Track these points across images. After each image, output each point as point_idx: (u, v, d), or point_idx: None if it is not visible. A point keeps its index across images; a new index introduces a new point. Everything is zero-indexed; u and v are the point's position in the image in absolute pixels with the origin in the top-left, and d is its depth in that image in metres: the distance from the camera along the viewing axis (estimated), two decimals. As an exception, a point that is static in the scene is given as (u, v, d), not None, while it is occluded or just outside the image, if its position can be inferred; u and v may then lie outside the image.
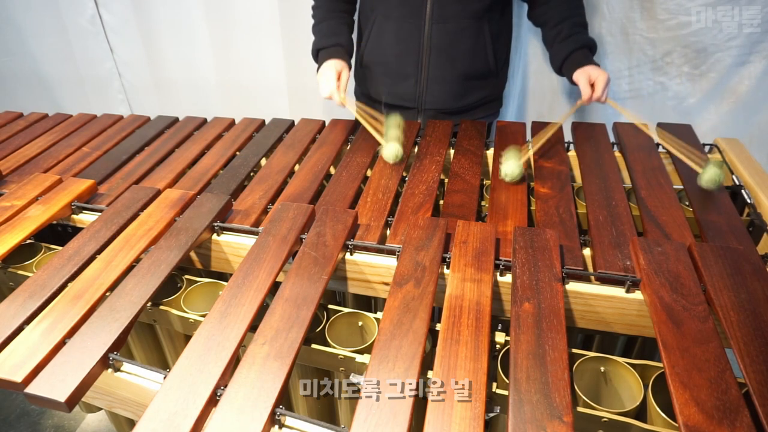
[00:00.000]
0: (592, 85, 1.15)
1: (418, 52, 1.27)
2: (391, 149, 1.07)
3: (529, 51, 1.61)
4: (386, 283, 0.83)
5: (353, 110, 1.20)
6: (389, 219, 0.91)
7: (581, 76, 1.16)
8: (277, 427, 0.58)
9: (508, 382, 0.58)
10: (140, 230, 0.86)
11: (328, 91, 1.18)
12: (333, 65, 1.21)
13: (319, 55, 1.27)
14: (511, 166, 0.98)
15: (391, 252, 0.83)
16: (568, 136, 1.16)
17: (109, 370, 0.66)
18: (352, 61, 1.33)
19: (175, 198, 0.95)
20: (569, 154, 1.13)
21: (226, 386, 0.58)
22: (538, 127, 1.19)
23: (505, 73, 1.41)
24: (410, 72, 1.29)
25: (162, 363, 1.02)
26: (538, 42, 1.59)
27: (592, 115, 1.59)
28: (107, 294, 0.74)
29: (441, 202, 0.97)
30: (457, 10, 1.22)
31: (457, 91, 1.28)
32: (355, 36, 1.40)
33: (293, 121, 1.32)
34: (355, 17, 1.39)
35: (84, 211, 1.00)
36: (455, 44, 1.25)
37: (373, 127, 1.17)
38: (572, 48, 1.19)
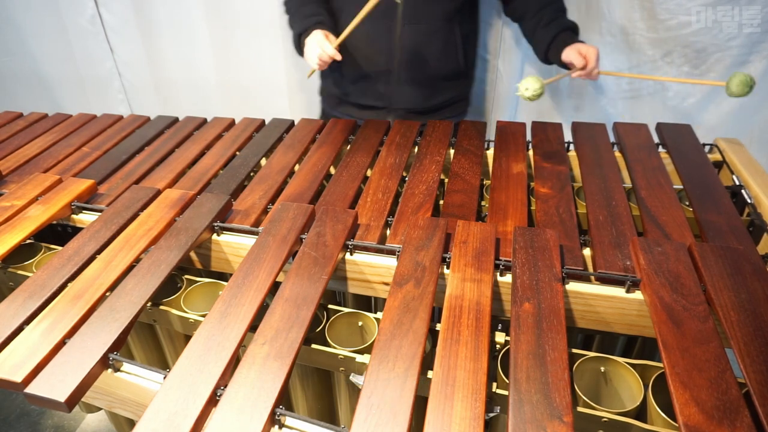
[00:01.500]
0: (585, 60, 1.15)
1: (389, 53, 1.27)
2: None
3: (529, 51, 1.61)
4: (386, 283, 0.83)
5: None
6: (389, 219, 0.91)
7: (571, 51, 1.16)
8: (277, 427, 0.58)
9: (508, 382, 0.58)
10: (140, 230, 0.86)
11: (319, 50, 1.15)
12: (318, 31, 1.19)
13: (302, 39, 1.24)
14: (531, 81, 0.96)
15: (391, 252, 0.83)
16: (568, 136, 1.16)
17: (109, 370, 0.66)
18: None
19: (175, 198, 0.95)
20: (569, 154, 1.13)
21: (226, 386, 0.58)
22: (538, 127, 1.19)
23: (473, 74, 1.41)
24: (381, 73, 1.29)
25: (162, 363, 1.02)
26: (538, 42, 1.59)
27: (592, 115, 1.59)
28: (107, 294, 0.74)
29: (441, 202, 0.97)
30: (429, 11, 1.22)
31: (427, 92, 1.28)
32: None
33: (293, 121, 1.32)
34: None
35: (84, 211, 1.00)
36: (427, 45, 1.25)
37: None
38: (556, 31, 1.20)
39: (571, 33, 1.21)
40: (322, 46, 1.15)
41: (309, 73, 1.27)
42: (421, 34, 1.24)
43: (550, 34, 1.21)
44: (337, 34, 1.21)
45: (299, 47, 1.27)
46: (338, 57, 1.16)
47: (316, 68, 1.22)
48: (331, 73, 1.40)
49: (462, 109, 1.43)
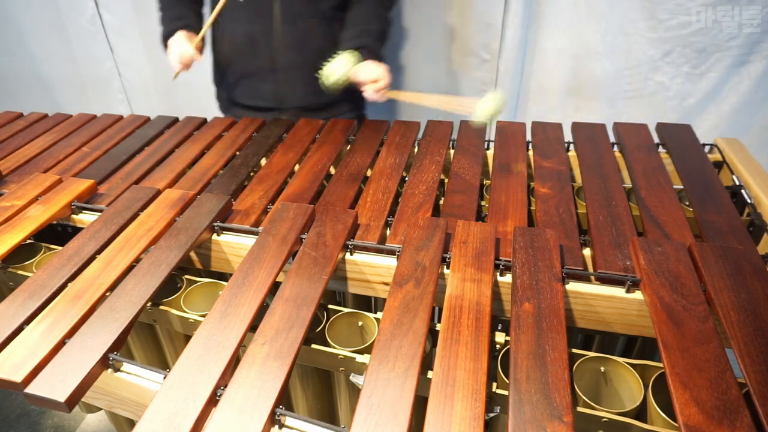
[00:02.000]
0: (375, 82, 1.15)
1: (270, 52, 1.28)
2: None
3: (528, 51, 1.61)
4: (386, 283, 0.83)
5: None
6: (389, 219, 0.91)
7: (360, 71, 1.15)
8: (277, 427, 0.58)
9: (508, 382, 0.58)
10: (140, 230, 0.86)
11: (179, 53, 1.17)
12: (180, 34, 1.21)
13: (167, 41, 1.26)
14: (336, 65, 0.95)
15: (391, 252, 0.83)
16: (568, 136, 1.16)
17: (109, 370, 0.66)
18: (210, 63, 1.34)
19: (175, 198, 0.95)
20: (569, 154, 1.13)
21: (226, 386, 0.58)
22: (538, 127, 1.20)
23: None
24: (266, 73, 1.30)
25: (162, 363, 1.02)
26: (538, 42, 1.59)
27: (592, 115, 1.59)
28: (107, 294, 0.74)
29: (441, 202, 0.97)
30: (303, 11, 1.23)
31: (315, 89, 1.28)
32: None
33: (293, 121, 1.32)
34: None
35: (84, 211, 1.00)
36: (306, 43, 1.26)
37: None
38: (351, 47, 1.20)
39: (366, 52, 1.20)
40: (181, 47, 1.18)
41: (174, 75, 1.28)
42: (299, 33, 1.25)
43: (346, 47, 1.21)
44: (212, 51, 1.27)
45: (165, 45, 1.29)
46: (198, 58, 1.19)
47: (177, 70, 1.24)
48: (220, 77, 1.42)
49: (357, 104, 1.43)
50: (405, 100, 1.15)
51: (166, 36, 1.27)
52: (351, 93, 1.32)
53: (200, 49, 1.24)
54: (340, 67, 1.03)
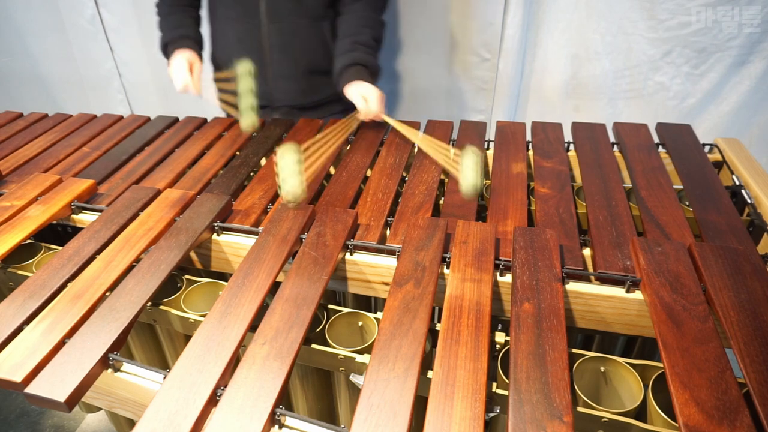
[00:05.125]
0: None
1: (259, 50, 1.29)
2: (247, 121, 1.10)
3: (528, 51, 1.61)
4: (386, 283, 0.83)
5: (213, 100, 1.21)
6: (389, 219, 0.91)
7: (353, 93, 1.16)
8: (277, 427, 0.58)
9: (508, 382, 0.58)
10: (140, 230, 0.86)
11: (182, 83, 1.19)
12: (183, 56, 1.22)
13: (168, 49, 1.28)
14: (291, 183, 0.86)
15: (391, 252, 0.83)
16: (568, 136, 1.16)
17: (109, 370, 0.66)
18: (206, 57, 1.36)
19: (175, 198, 0.95)
20: (569, 154, 1.13)
21: (226, 386, 0.58)
22: (538, 127, 1.20)
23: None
24: (257, 71, 1.30)
25: (162, 363, 1.02)
26: (538, 42, 1.59)
27: (592, 115, 1.59)
28: (107, 294, 0.74)
29: (441, 202, 0.97)
30: (290, 10, 1.24)
31: (304, 87, 1.29)
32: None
33: (293, 121, 1.32)
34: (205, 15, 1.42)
35: (84, 211, 1.00)
36: (293, 42, 1.27)
37: (234, 108, 1.20)
38: (345, 63, 1.20)
39: (360, 68, 1.19)
40: (183, 76, 1.20)
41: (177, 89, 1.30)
42: (285, 33, 1.26)
43: (339, 65, 1.21)
44: (201, 45, 1.30)
45: (165, 53, 1.30)
46: (198, 92, 1.22)
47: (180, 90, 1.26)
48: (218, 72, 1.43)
49: (350, 104, 1.43)
50: (397, 127, 1.15)
51: (165, 45, 1.29)
52: (339, 94, 1.33)
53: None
54: (471, 171, 0.91)
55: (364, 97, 1.15)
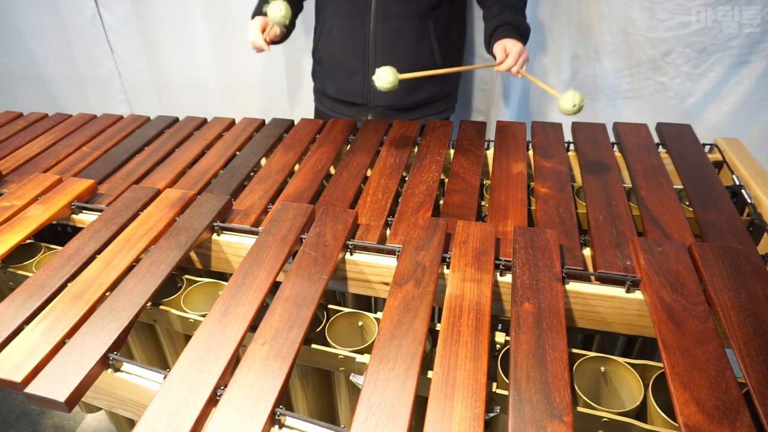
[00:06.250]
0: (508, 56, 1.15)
1: (364, 49, 1.30)
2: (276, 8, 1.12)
3: (529, 50, 1.61)
4: (386, 283, 0.83)
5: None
6: (389, 219, 0.91)
7: (498, 47, 1.17)
8: (277, 427, 0.58)
9: (508, 382, 0.58)
10: (140, 230, 0.86)
11: (251, 39, 1.22)
12: (258, 19, 1.24)
13: (252, 18, 1.29)
14: (387, 72, 1.00)
15: (391, 252, 0.83)
16: (568, 136, 1.16)
17: (109, 370, 0.66)
18: (307, 50, 1.37)
19: (175, 198, 0.95)
20: (569, 154, 1.13)
21: (226, 386, 0.58)
22: (538, 126, 1.19)
23: (458, 72, 1.42)
24: (357, 69, 1.33)
25: (162, 363, 1.02)
26: (537, 42, 1.59)
27: (592, 115, 1.59)
28: (107, 294, 0.74)
29: (441, 202, 0.97)
30: (399, 9, 1.26)
31: (404, 88, 1.29)
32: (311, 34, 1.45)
33: (293, 121, 1.32)
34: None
35: (84, 211, 1.00)
36: (398, 42, 1.28)
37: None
38: (496, 25, 1.22)
39: (510, 29, 1.21)
40: (254, 36, 1.22)
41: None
42: (392, 32, 1.28)
43: (491, 27, 1.23)
44: (313, 44, 1.35)
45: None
46: (266, 49, 1.22)
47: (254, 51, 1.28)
48: (316, 68, 1.46)
49: (447, 106, 1.45)
50: (537, 83, 1.15)
51: (254, 14, 1.31)
52: (440, 95, 1.33)
53: (279, 37, 1.27)
54: (389, 76, 1.03)
55: (505, 49, 1.15)
